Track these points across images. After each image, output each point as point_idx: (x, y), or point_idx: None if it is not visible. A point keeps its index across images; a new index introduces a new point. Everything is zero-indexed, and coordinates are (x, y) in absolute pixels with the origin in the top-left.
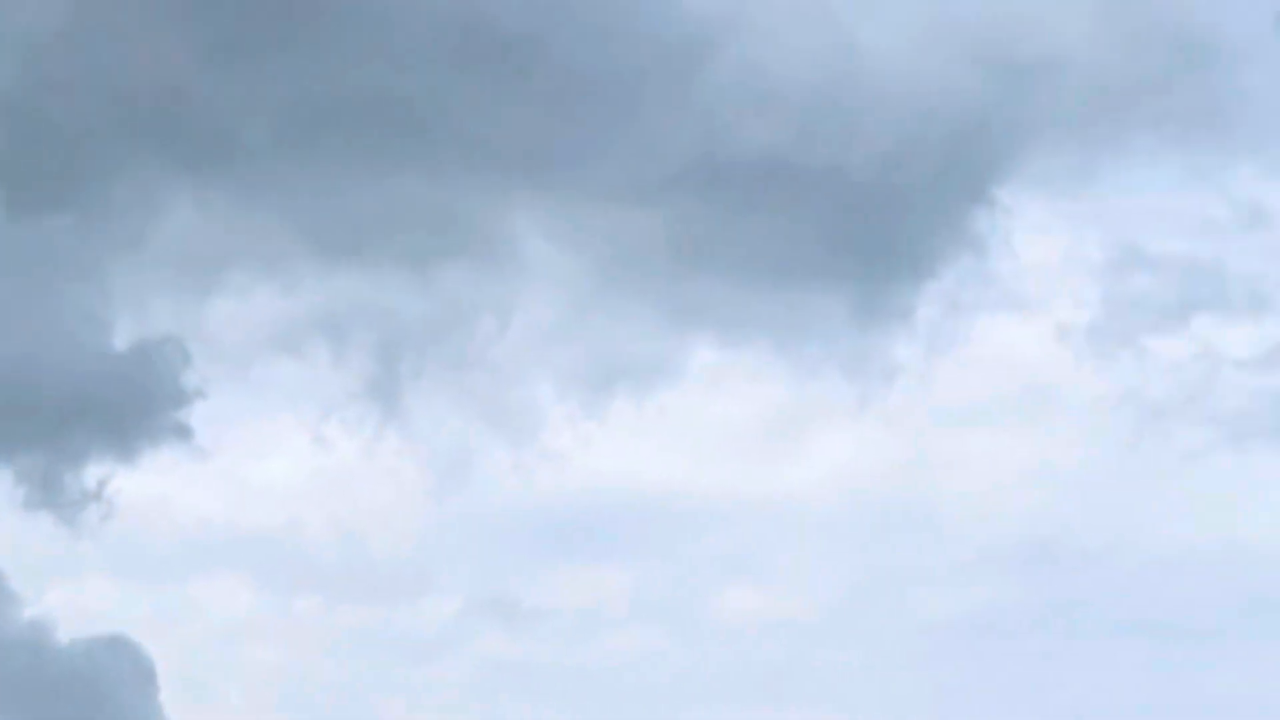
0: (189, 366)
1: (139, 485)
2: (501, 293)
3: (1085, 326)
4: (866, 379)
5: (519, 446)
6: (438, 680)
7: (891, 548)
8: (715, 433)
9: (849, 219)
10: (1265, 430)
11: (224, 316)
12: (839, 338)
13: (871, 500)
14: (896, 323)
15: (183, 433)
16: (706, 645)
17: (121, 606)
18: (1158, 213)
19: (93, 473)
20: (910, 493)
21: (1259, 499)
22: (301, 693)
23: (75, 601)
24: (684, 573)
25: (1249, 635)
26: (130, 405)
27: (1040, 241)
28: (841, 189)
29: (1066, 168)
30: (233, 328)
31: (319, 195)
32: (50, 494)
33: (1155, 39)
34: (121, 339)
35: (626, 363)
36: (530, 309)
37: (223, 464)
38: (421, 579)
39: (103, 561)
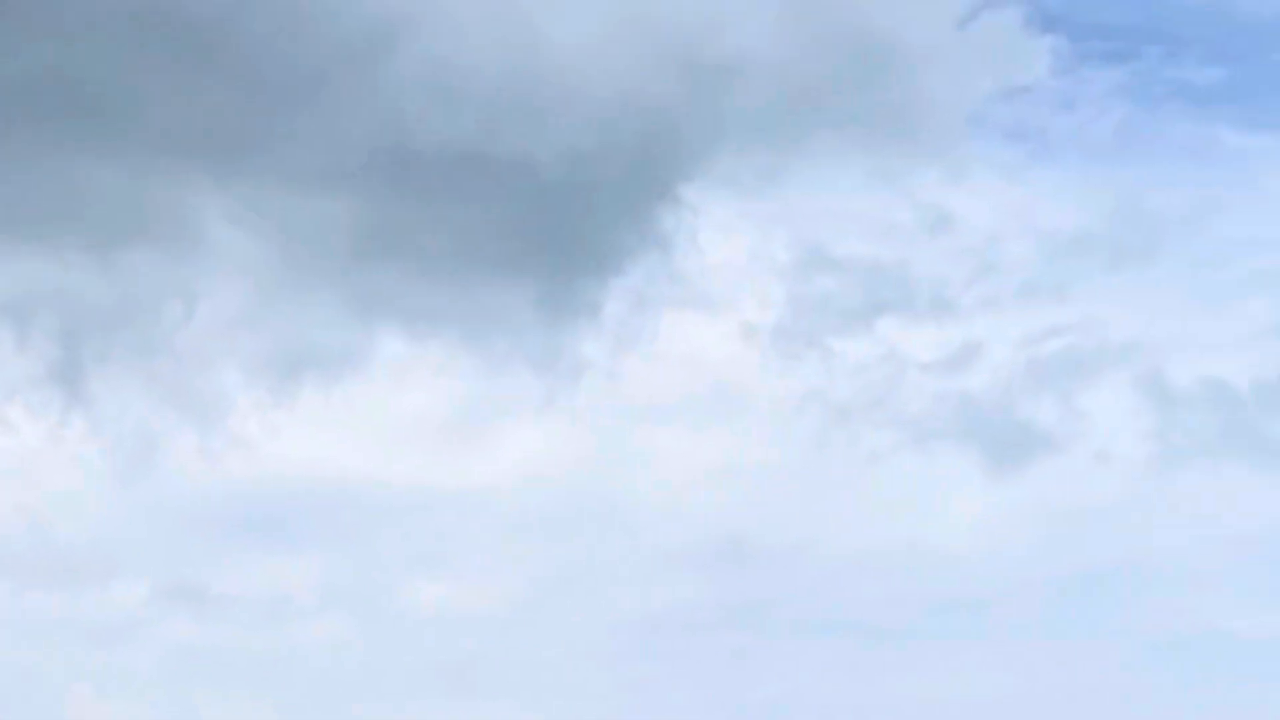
0: None
1: None
2: (187, 278)
3: (771, 326)
4: (554, 374)
5: (206, 433)
6: (124, 666)
7: (581, 543)
8: (403, 424)
9: (536, 213)
10: (949, 432)
11: None
12: (527, 332)
13: (560, 495)
14: (584, 318)
15: None
16: (395, 636)
17: None
18: (843, 215)
19: None
20: (599, 489)
21: (943, 500)
22: None
23: None
24: (373, 563)
25: (934, 635)
26: None
27: (727, 241)
28: (529, 183)
29: (753, 168)
30: None
31: None
32: None
33: (840, 42)
34: None
35: (314, 351)
36: (217, 295)
37: None
38: (108, 564)
39: None
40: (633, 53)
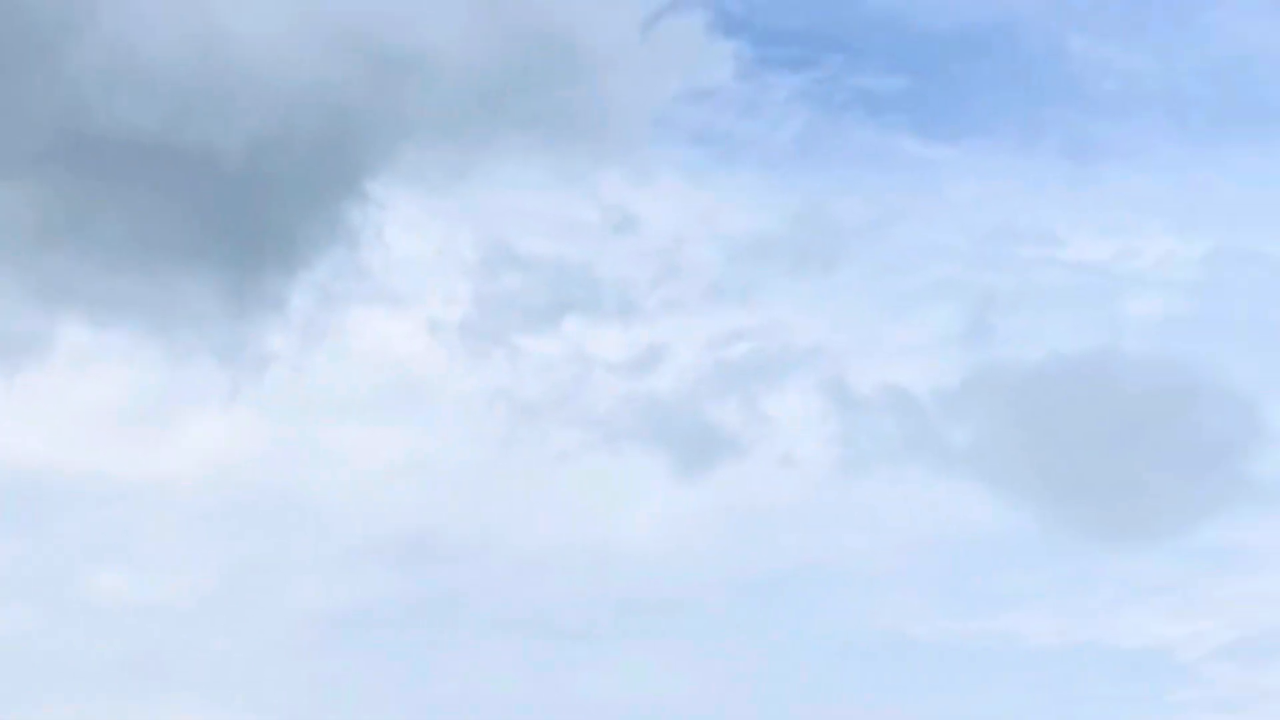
0: None
1: None
2: None
3: (458, 323)
4: (240, 366)
5: None
6: None
7: (266, 537)
8: (85, 412)
9: (222, 204)
10: (636, 433)
11: None
12: (212, 323)
13: (245, 488)
14: (270, 311)
15: None
16: (76, 627)
17: None
18: (529, 214)
19: None
20: (285, 482)
21: (630, 501)
22: None
23: None
24: (53, 553)
25: (621, 634)
26: None
27: (413, 237)
28: (214, 173)
29: (439, 165)
30: None
31: None
32: None
33: (526, 41)
34: None
35: None
36: None
37: None
38: None
39: None
40: (318, 44)
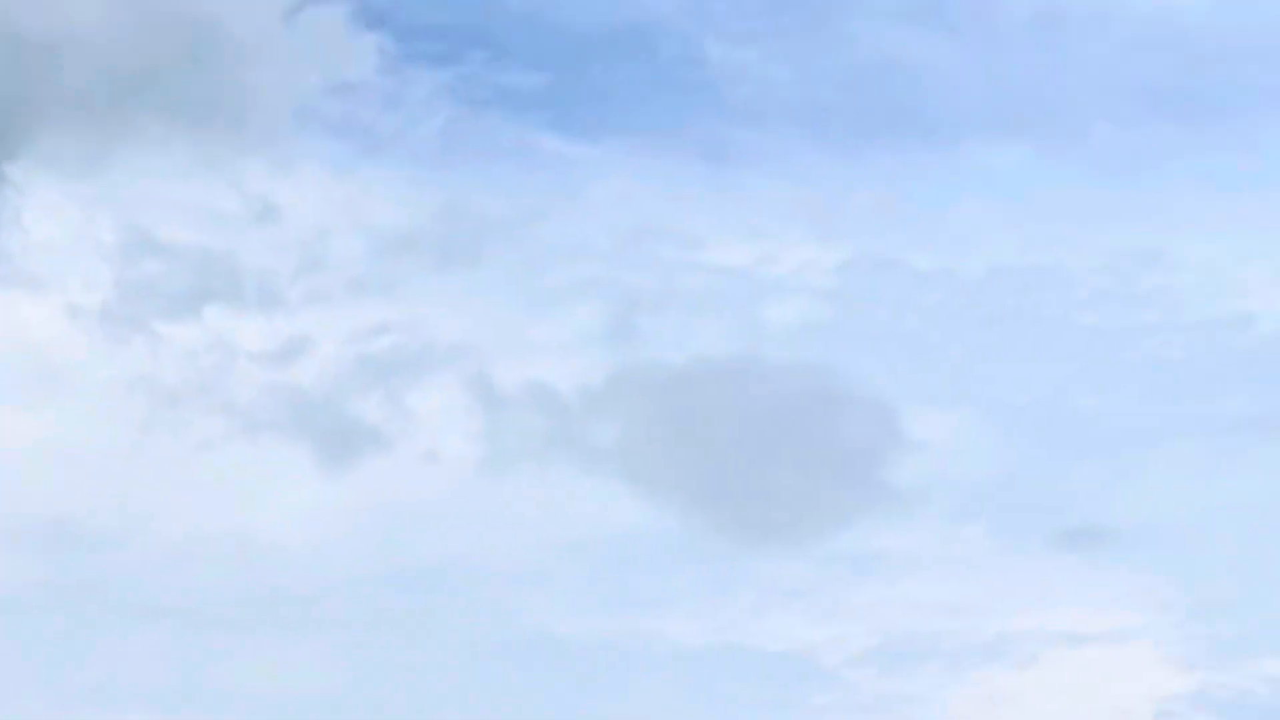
0: None
1: None
2: None
3: (98, 309)
4: None
5: None
6: None
7: None
8: None
9: None
10: (279, 424)
11: None
12: None
13: None
14: None
15: None
16: None
17: None
18: (170, 201)
19: None
20: None
21: (272, 492)
22: None
23: None
24: None
25: (261, 626)
26: None
27: (52, 221)
28: None
29: (77, 149)
30: None
31: None
32: None
33: (167, 26)
34: None
35: None
36: None
37: None
38: None
39: None
40: None
